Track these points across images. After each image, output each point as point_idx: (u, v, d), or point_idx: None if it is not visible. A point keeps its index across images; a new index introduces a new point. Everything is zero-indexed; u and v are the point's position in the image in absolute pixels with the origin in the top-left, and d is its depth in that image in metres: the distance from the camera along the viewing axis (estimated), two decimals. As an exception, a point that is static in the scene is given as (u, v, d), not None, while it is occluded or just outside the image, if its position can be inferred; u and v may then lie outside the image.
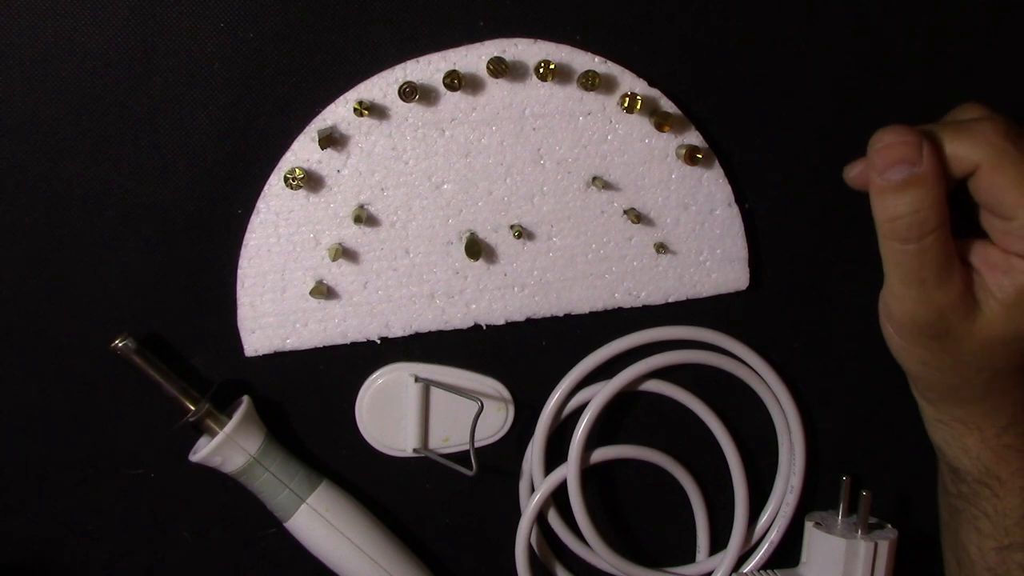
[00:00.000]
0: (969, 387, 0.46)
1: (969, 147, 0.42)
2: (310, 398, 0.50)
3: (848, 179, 0.47)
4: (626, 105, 0.47)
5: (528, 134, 0.48)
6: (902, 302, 0.45)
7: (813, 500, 0.56)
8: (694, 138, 0.50)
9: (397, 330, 0.49)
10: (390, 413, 0.50)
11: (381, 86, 0.47)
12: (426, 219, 0.48)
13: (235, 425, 0.46)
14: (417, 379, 0.50)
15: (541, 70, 0.46)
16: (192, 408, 0.47)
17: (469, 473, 0.49)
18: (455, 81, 0.46)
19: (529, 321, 0.51)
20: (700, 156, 0.49)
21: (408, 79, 0.46)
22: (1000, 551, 0.48)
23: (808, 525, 0.53)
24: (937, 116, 0.48)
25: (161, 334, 0.48)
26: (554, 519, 0.53)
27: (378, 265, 0.48)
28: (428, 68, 0.47)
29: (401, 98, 0.46)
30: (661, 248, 0.50)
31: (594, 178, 0.49)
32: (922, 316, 0.44)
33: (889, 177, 0.42)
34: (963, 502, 0.48)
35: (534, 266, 0.50)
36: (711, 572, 0.55)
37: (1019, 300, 0.43)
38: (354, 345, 0.49)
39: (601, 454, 0.52)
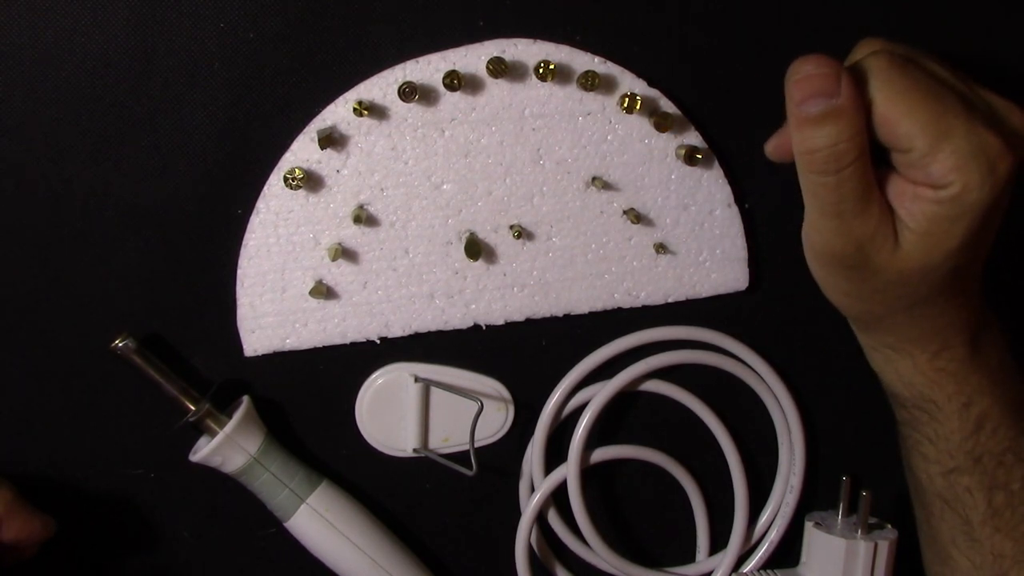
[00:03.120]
0: (892, 316, 0.46)
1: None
2: (310, 398, 0.50)
3: (768, 153, 0.47)
4: (626, 105, 0.47)
5: (528, 134, 0.48)
6: (821, 233, 0.44)
7: (813, 500, 0.55)
8: (694, 138, 0.50)
9: (397, 330, 0.49)
10: (390, 413, 0.50)
11: (381, 86, 0.47)
12: (426, 219, 0.48)
13: (235, 425, 0.46)
14: (417, 379, 0.50)
15: (541, 70, 0.46)
16: (192, 408, 0.47)
17: (469, 473, 0.49)
18: (455, 81, 0.46)
19: (529, 321, 0.51)
20: (700, 156, 0.49)
21: (408, 79, 0.46)
22: (946, 475, 0.48)
23: (808, 525, 0.53)
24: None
25: (161, 334, 0.48)
26: (554, 519, 0.52)
27: (378, 265, 0.48)
28: (428, 68, 0.47)
29: (401, 98, 0.46)
30: (661, 248, 0.50)
31: (594, 178, 0.49)
32: (840, 247, 0.44)
33: (807, 110, 0.41)
34: (907, 428, 0.49)
35: (534, 266, 0.50)
36: (711, 572, 0.55)
37: (931, 228, 0.42)
38: (354, 345, 0.49)
39: (601, 454, 0.52)
